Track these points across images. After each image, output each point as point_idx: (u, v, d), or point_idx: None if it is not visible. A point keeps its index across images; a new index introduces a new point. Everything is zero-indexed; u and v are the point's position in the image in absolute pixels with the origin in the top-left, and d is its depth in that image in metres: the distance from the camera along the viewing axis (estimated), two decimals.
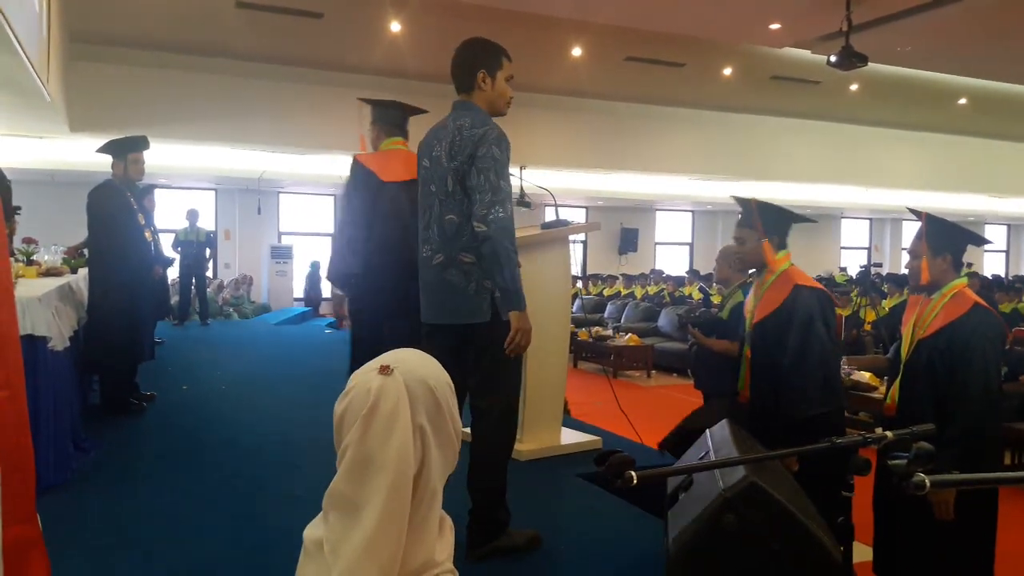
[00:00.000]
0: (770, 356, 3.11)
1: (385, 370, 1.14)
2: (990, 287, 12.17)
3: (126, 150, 5.09)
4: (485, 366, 2.76)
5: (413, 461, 1.12)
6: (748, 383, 3.27)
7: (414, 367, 1.17)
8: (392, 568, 1.08)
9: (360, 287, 3.63)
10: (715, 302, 4.80)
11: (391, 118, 3.84)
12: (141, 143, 5.17)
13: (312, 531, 1.17)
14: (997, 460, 2.96)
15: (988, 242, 3.57)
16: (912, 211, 3.14)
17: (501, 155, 2.65)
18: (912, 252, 3.01)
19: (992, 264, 23.30)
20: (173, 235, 9.76)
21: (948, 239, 2.93)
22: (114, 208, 4.95)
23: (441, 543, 1.18)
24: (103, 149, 5.13)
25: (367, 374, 1.16)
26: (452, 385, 1.21)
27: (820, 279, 14.76)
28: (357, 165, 3.68)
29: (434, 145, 2.78)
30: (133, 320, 4.94)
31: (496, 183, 2.62)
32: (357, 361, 2.68)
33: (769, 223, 3.19)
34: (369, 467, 1.10)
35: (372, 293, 3.57)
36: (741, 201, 3.34)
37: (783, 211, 3.26)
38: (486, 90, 2.77)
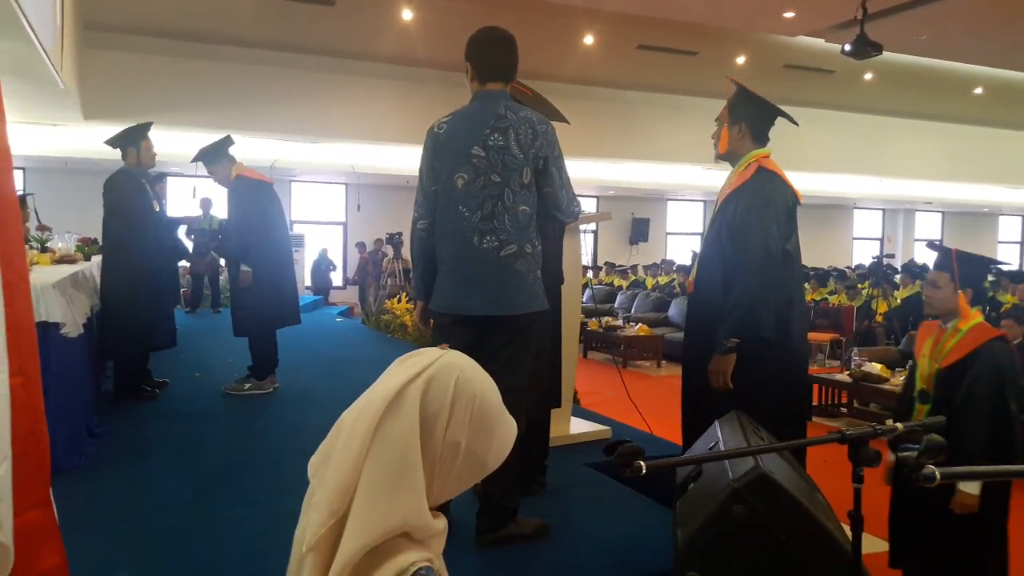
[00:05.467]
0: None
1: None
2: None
3: (137, 138, 5.09)
4: (513, 350, 2.78)
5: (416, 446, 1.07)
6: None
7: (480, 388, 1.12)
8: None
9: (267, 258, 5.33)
10: None
11: (225, 149, 5.31)
12: (147, 128, 5.16)
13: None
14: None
15: (788, 118, 3.26)
16: (732, 79, 3.26)
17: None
18: (718, 120, 3.22)
19: (1006, 256, 23.12)
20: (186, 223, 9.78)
21: (751, 110, 3.14)
22: (130, 195, 4.96)
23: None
24: (112, 142, 5.09)
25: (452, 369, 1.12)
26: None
27: (832, 271, 14.70)
28: (251, 180, 5.29)
29: (487, 134, 2.69)
30: (149, 307, 4.96)
31: (567, 178, 2.85)
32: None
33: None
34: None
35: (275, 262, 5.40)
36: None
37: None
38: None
